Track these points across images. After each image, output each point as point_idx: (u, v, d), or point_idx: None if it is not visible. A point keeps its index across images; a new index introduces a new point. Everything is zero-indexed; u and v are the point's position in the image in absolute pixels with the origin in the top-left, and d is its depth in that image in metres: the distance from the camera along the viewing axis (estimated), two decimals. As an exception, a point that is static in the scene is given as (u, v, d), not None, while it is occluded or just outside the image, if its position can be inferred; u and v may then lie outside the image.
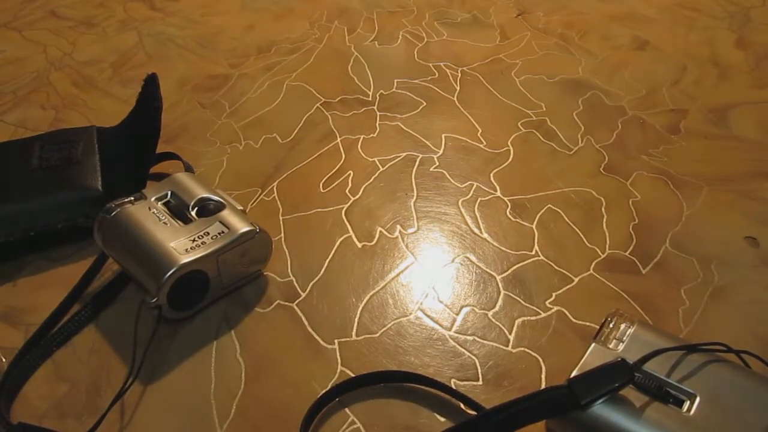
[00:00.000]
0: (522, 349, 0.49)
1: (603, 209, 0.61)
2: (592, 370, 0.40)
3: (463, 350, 0.49)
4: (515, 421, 0.40)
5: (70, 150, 0.61)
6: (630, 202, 0.61)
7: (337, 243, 0.58)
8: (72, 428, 0.45)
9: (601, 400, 0.39)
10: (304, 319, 0.52)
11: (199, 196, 0.53)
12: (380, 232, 0.59)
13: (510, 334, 0.50)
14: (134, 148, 0.62)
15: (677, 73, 0.79)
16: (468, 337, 0.50)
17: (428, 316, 0.52)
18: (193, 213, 0.52)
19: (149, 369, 0.48)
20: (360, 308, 0.52)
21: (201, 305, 0.52)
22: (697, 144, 0.68)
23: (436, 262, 0.56)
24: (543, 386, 0.46)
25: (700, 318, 0.51)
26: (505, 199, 0.62)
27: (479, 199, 0.62)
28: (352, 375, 0.47)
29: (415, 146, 0.69)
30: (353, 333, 0.51)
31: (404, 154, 0.68)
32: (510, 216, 0.60)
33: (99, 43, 0.88)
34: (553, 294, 0.53)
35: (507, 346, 0.49)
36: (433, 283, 0.54)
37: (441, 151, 0.68)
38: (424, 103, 0.75)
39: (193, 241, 0.49)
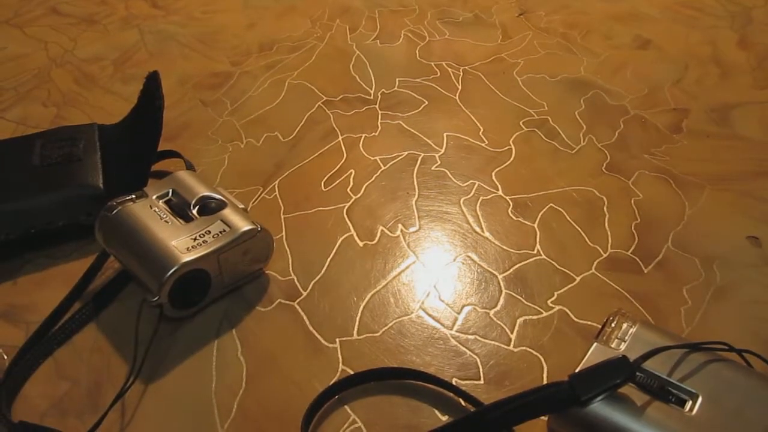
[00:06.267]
0: (524, 348, 0.49)
1: (605, 208, 0.60)
2: (593, 366, 0.40)
3: (464, 349, 0.49)
4: (516, 416, 0.40)
5: (72, 147, 0.61)
6: (632, 201, 0.61)
7: (339, 242, 0.58)
8: (73, 427, 0.45)
9: (601, 397, 0.39)
10: (305, 318, 0.52)
11: (201, 195, 0.53)
12: (382, 230, 0.59)
13: (512, 333, 0.50)
14: (136, 146, 0.62)
15: (679, 73, 0.79)
16: (469, 336, 0.50)
17: (430, 315, 0.52)
18: (195, 211, 0.52)
19: (150, 368, 0.48)
20: (361, 307, 0.52)
21: (202, 304, 0.52)
22: (699, 143, 0.68)
23: (438, 261, 0.56)
24: (545, 386, 0.46)
25: (702, 317, 0.51)
26: (507, 198, 0.62)
27: (481, 198, 0.62)
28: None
29: (417, 145, 0.69)
30: (354, 332, 0.50)
31: (406, 152, 0.68)
32: (512, 215, 0.60)
33: (100, 41, 0.88)
34: (555, 293, 0.53)
35: (509, 345, 0.49)
36: (434, 282, 0.54)
37: (443, 150, 0.68)
38: (426, 102, 0.75)
39: (195, 239, 0.49)
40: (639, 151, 0.67)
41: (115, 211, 0.51)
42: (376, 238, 0.58)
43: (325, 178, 0.65)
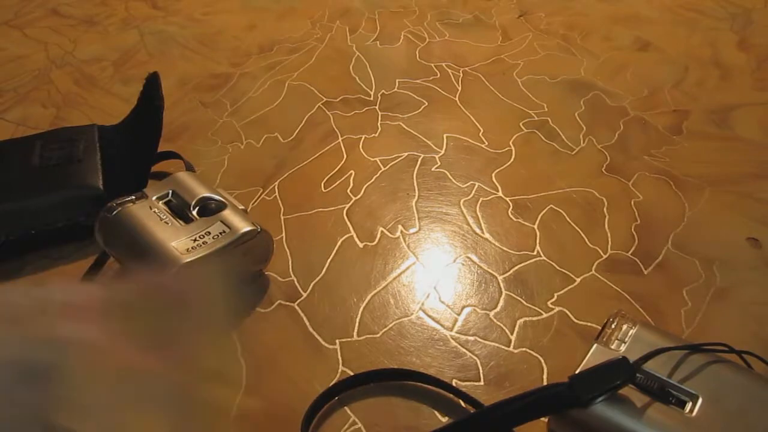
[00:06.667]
0: (523, 349, 0.49)
1: (605, 210, 0.60)
2: (593, 367, 0.40)
3: (464, 351, 0.49)
4: (516, 417, 0.40)
5: (71, 149, 0.61)
6: (632, 203, 0.61)
7: (339, 243, 0.58)
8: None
9: (602, 398, 0.39)
10: (305, 319, 0.52)
11: (201, 196, 0.53)
12: (382, 232, 0.59)
13: (511, 334, 0.50)
14: (135, 147, 0.62)
15: (679, 74, 0.79)
16: (469, 338, 0.50)
17: (430, 316, 0.52)
18: (195, 212, 0.52)
19: (150, 368, 0.48)
20: (361, 308, 0.52)
21: (202, 305, 0.51)
22: (699, 145, 0.68)
23: (438, 262, 0.56)
24: (545, 387, 0.46)
25: (702, 319, 0.51)
26: (507, 199, 0.62)
27: (481, 199, 0.62)
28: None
29: (417, 146, 0.69)
30: (354, 333, 0.50)
31: (406, 154, 0.68)
32: (512, 216, 0.60)
33: (100, 42, 0.88)
34: (555, 294, 0.53)
35: (508, 346, 0.49)
36: (434, 284, 0.54)
37: (443, 151, 0.68)
38: (426, 103, 0.75)
39: (194, 240, 0.49)
40: (639, 152, 0.67)
41: (114, 212, 0.51)
42: (376, 239, 0.58)
43: (325, 179, 0.65)
